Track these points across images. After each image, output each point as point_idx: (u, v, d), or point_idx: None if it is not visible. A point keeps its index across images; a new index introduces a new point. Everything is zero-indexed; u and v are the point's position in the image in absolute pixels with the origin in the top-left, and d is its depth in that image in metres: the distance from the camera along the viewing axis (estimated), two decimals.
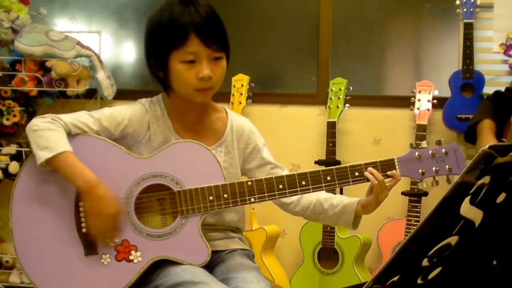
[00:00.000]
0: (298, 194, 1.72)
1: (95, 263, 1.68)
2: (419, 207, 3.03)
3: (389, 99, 3.45)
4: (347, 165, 1.69)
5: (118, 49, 3.76)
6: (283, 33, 3.60)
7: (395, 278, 1.19)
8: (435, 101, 3.13)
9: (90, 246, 1.69)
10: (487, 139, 2.46)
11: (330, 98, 3.21)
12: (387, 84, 3.66)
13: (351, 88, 3.21)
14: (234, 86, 3.30)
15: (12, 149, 3.39)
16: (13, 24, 3.22)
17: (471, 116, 2.86)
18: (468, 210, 1.17)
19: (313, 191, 1.70)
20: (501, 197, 1.23)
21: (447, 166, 1.68)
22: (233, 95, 3.28)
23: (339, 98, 3.18)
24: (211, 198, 1.68)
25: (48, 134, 1.66)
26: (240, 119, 1.91)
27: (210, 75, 1.69)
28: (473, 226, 1.22)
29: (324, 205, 1.80)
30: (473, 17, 3.18)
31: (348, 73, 3.35)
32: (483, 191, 1.16)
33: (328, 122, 3.18)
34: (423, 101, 3.13)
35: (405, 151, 1.71)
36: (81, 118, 1.73)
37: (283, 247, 3.39)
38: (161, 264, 1.68)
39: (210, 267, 1.74)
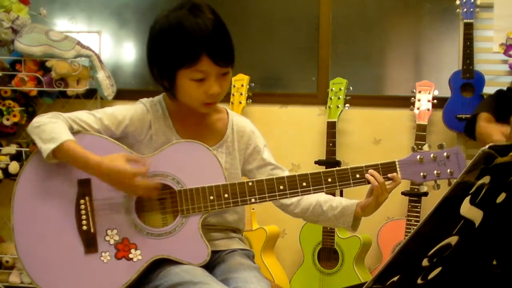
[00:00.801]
0: (298, 195, 1.71)
1: (95, 261, 1.68)
2: (419, 207, 3.03)
3: (389, 99, 3.45)
4: (348, 167, 1.69)
5: (118, 49, 3.75)
6: (283, 33, 3.60)
7: (395, 278, 1.19)
8: (435, 101, 3.13)
9: (90, 244, 1.69)
10: (485, 125, 2.48)
11: (330, 98, 3.21)
12: (387, 84, 3.66)
13: (351, 88, 3.21)
14: (234, 86, 3.30)
15: (12, 149, 3.39)
16: (13, 24, 3.22)
17: None
18: (468, 210, 1.17)
19: (313, 193, 1.70)
20: (501, 197, 1.23)
21: (448, 170, 1.68)
22: (233, 95, 3.28)
23: (339, 98, 3.18)
24: (211, 198, 1.68)
25: (52, 126, 1.66)
26: (241, 120, 1.90)
27: (219, 92, 1.70)
28: (473, 226, 1.22)
29: (323, 206, 1.80)
30: (473, 17, 3.17)
31: (348, 73, 3.35)
32: (483, 191, 1.16)
33: (328, 122, 3.18)
34: (423, 101, 3.13)
35: (405, 151, 1.71)
36: (83, 116, 1.73)
37: (283, 247, 3.39)
38: (161, 264, 1.68)
39: (210, 267, 1.74)
